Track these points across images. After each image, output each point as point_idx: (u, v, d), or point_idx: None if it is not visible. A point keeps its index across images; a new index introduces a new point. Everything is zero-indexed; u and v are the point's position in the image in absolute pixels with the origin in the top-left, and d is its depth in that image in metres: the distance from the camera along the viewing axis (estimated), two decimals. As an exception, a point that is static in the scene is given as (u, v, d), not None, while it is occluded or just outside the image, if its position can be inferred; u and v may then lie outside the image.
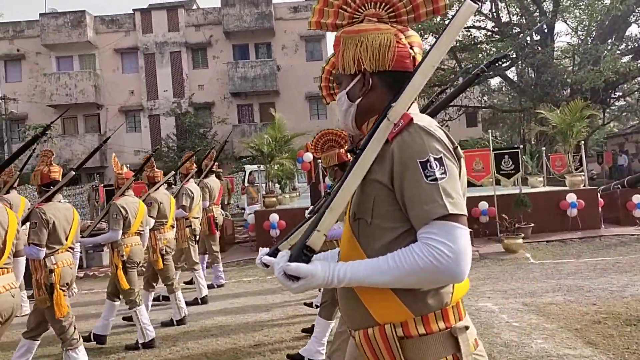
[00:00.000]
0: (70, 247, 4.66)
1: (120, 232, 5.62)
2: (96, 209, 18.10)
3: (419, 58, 1.60)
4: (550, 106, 13.74)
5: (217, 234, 8.61)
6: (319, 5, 1.71)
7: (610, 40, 24.72)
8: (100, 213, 7.38)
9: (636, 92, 27.16)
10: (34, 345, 4.67)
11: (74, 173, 4.69)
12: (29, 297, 7.12)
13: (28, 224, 4.44)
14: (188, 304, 7.09)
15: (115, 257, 5.66)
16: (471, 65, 24.74)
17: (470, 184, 12.46)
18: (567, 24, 26.78)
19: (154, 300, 7.51)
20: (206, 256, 8.73)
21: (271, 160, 12.22)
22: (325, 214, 1.50)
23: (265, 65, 30.69)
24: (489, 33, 27.48)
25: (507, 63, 26.68)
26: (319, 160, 8.25)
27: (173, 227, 6.89)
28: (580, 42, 25.56)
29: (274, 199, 11.96)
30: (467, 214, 1.45)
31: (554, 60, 24.62)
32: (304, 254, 1.47)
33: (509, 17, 27.20)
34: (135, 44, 31.42)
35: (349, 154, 4.54)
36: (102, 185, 17.38)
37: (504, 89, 32.05)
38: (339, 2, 1.67)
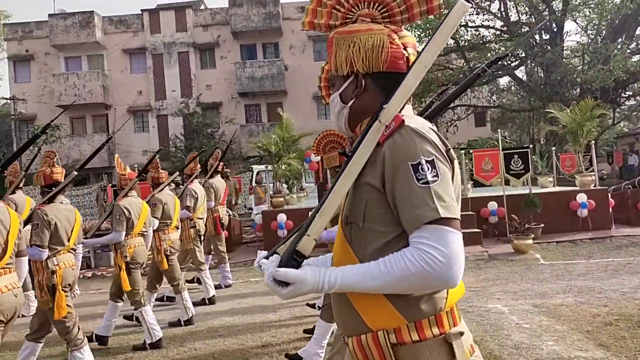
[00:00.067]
0: (72, 249, 4.65)
1: (124, 233, 5.61)
2: (104, 208, 18.13)
3: (412, 59, 1.56)
4: (560, 105, 13.64)
5: (223, 234, 8.59)
6: (312, 5, 1.69)
7: (620, 39, 24.52)
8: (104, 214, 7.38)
9: (646, 92, 26.96)
10: (38, 348, 4.67)
11: (76, 174, 4.69)
12: (36, 297, 7.13)
13: (30, 225, 4.43)
14: (195, 304, 7.09)
15: (118, 258, 5.66)
16: (480, 65, 24.62)
17: (479, 184, 12.43)
18: (577, 23, 26.59)
19: (158, 300, 7.53)
20: (210, 256, 8.71)
21: (279, 160, 12.19)
22: (316, 218, 1.47)
23: (272, 65, 30.69)
24: (498, 32, 27.34)
25: (516, 62, 26.56)
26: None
27: (177, 228, 6.88)
28: (590, 41, 25.37)
29: (282, 199, 11.93)
30: (459, 218, 1.41)
31: (564, 60, 24.47)
32: (293, 259, 1.45)
33: (518, 16, 27.04)
34: (143, 45, 31.50)
35: None
36: (110, 185, 17.41)
37: (512, 88, 31.86)
38: (332, 2, 1.64)
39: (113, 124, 31.28)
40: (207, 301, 7.51)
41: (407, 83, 1.47)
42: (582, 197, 10.82)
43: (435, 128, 1.51)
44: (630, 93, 27.43)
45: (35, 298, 7.07)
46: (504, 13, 26.91)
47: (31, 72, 31.76)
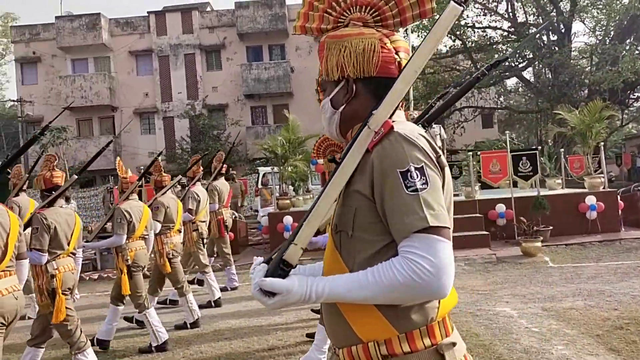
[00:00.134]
0: (72, 253, 4.64)
1: (125, 236, 5.59)
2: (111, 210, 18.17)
3: (404, 63, 1.52)
4: (569, 107, 13.54)
5: (228, 236, 8.56)
6: (304, 9, 1.67)
7: (629, 40, 24.41)
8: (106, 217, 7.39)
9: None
10: (39, 353, 4.65)
11: (76, 177, 4.68)
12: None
13: (30, 229, 4.41)
14: (201, 307, 7.07)
15: (119, 261, 5.65)
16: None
17: (487, 186, 12.36)
18: (585, 24, 26.50)
19: (161, 304, 7.52)
20: (213, 259, 8.70)
21: (285, 162, 12.16)
22: (303, 226, 1.45)
23: (279, 67, 30.69)
24: (505, 33, 27.25)
25: (524, 63, 26.46)
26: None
27: (180, 231, 6.87)
28: (598, 42, 25.26)
29: (288, 201, 11.90)
30: (450, 226, 1.38)
31: (572, 61, 24.37)
32: (280, 268, 1.42)
33: (526, 17, 26.96)
34: (149, 47, 31.58)
35: None
36: (116, 187, 17.43)
37: (520, 89, 31.75)
38: (324, 5, 1.62)
39: (119, 126, 31.36)
40: (212, 304, 7.48)
41: (396, 88, 1.44)
42: (591, 200, 10.74)
43: (426, 134, 1.47)
44: (639, 94, 27.27)
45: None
46: (511, 14, 26.83)
47: (38, 74, 31.88)
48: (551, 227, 10.41)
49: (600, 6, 24.23)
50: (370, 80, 1.53)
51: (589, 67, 24.67)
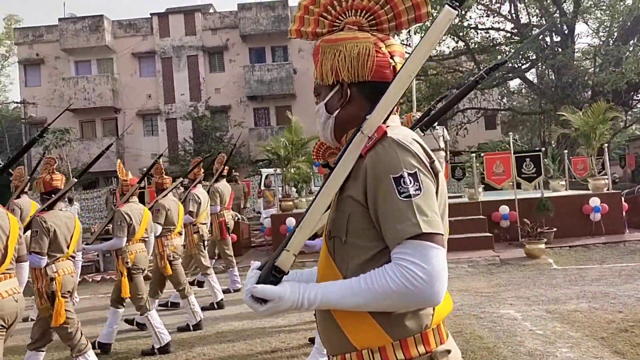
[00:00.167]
0: (71, 256, 4.63)
1: (125, 239, 5.58)
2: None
3: (399, 68, 1.50)
4: (572, 108, 13.51)
5: (229, 238, 8.55)
6: (299, 13, 1.66)
7: (632, 42, 24.37)
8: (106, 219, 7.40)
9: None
10: (40, 356, 4.63)
11: (75, 181, 4.68)
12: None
13: (29, 232, 4.41)
14: (204, 308, 7.06)
15: (119, 264, 5.64)
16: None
17: (490, 188, 12.32)
18: (588, 25, 26.46)
19: (162, 306, 7.52)
20: (214, 261, 8.70)
21: (288, 164, 12.15)
22: (295, 232, 1.43)
23: (281, 69, 30.69)
24: (508, 35, 27.22)
25: (527, 65, 26.42)
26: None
27: (181, 233, 6.87)
28: (601, 43, 25.23)
29: (291, 203, 11.88)
30: (443, 233, 1.35)
31: (575, 62, 24.33)
32: (272, 275, 1.41)
33: (529, 18, 26.93)
34: (152, 48, 31.61)
35: None
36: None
37: (523, 91, 31.70)
38: (320, 9, 1.60)
39: (122, 128, 31.40)
40: (215, 305, 7.46)
41: (390, 93, 1.43)
42: (595, 201, 10.70)
43: (420, 139, 1.46)
44: (643, 95, 27.20)
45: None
46: (514, 15, 26.80)
47: (41, 76, 31.95)
48: (555, 229, 10.38)
49: (604, 7, 24.20)
50: (365, 85, 1.52)
51: (593, 69, 24.64)
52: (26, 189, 7.01)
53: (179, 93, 31.39)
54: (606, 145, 11.76)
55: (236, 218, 12.08)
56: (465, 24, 26.56)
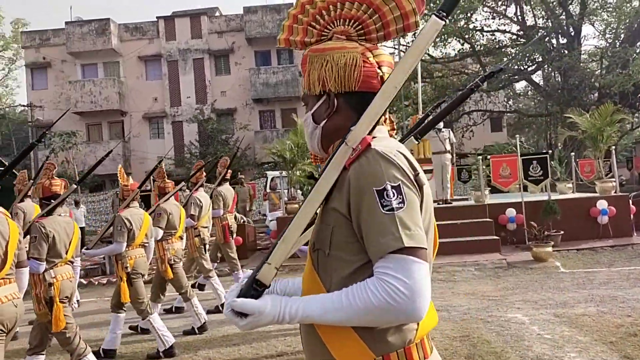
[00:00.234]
0: (70, 261, 4.62)
1: (125, 244, 5.57)
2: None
3: (387, 78, 1.49)
4: (580, 110, 13.46)
5: (233, 241, 8.54)
6: (288, 22, 1.65)
7: (639, 43, 24.24)
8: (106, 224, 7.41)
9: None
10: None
11: (75, 187, 4.68)
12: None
13: (28, 237, 4.40)
14: (209, 312, 7.06)
15: (119, 269, 5.63)
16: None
17: (496, 190, 12.26)
18: (594, 27, 26.36)
19: (167, 311, 7.52)
20: (215, 264, 8.71)
21: (293, 166, 12.14)
22: (278, 245, 1.41)
23: (287, 71, 30.72)
24: (514, 37, 27.15)
25: (533, 67, 26.34)
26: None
27: (182, 237, 6.87)
28: (608, 45, 25.12)
29: (296, 205, 11.85)
30: (426, 247, 1.33)
31: (581, 64, 24.25)
32: (253, 288, 1.39)
33: (535, 20, 26.85)
34: (158, 52, 31.70)
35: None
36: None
37: (529, 93, 31.60)
38: (308, 18, 1.60)
39: (129, 131, 31.49)
40: (220, 308, 7.44)
41: (375, 104, 1.41)
42: (602, 204, 10.64)
43: (405, 152, 1.43)
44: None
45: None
46: (520, 17, 26.73)
47: (48, 79, 32.10)
48: (562, 232, 10.33)
49: (610, 9, 24.12)
50: (352, 95, 1.50)
51: (599, 70, 24.55)
52: (29, 193, 7.02)
53: (185, 96, 31.46)
54: (613, 147, 11.69)
55: (242, 221, 12.09)
56: (471, 26, 26.51)
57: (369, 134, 1.42)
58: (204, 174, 8.23)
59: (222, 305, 7.48)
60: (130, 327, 6.58)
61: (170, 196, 6.78)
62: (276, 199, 16.07)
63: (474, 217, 10.70)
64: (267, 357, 5.34)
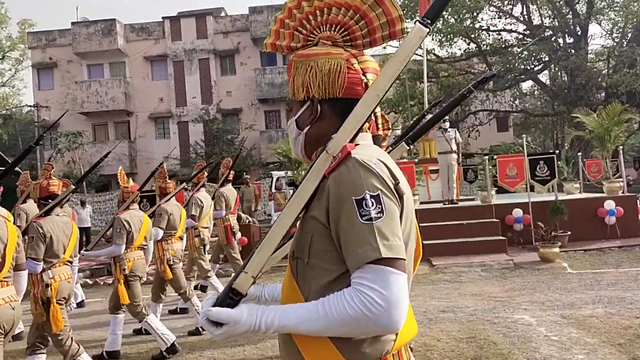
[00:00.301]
0: (68, 261, 4.61)
1: (124, 246, 5.56)
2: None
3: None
4: (587, 110, 13.38)
5: (235, 242, 8.53)
6: (275, 26, 1.65)
7: (646, 42, 24.11)
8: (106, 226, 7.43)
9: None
10: (40, 358, 4.61)
11: (73, 187, 4.70)
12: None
13: (26, 237, 4.40)
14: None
15: (117, 271, 5.61)
16: (502, 69, 24.42)
17: (503, 191, 12.21)
18: (601, 27, 26.22)
19: (172, 312, 7.52)
20: (217, 265, 8.72)
21: (298, 166, 12.13)
22: (255, 253, 1.39)
23: (292, 72, 30.68)
24: (521, 36, 27.06)
25: (540, 66, 26.24)
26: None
27: (182, 238, 6.88)
28: (615, 44, 25.01)
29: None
30: (405, 258, 1.31)
31: (588, 64, 24.14)
32: (229, 297, 1.38)
33: (541, 19, 26.75)
34: (164, 52, 31.76)
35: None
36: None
37: (536, 92, 31.50)
38: (295, 23, 1.59)
39: (134, 131, 31.56)
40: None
41: (357, 112, 1.39)
42: (610, 204, 10.56)
43: (387, 160, 1.41)
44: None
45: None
46: (526, 17, 26.64)
47: (54, 80, 32.22)
48: (569, 233, 10.26)
49: (617, 8, 24.00)
50: (336, 102, 1.48)
51: (606, 70, 24.43)
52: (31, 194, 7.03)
53: (190, 96, 31.51)
54: (621, 147, 11.62)
55: (247, 221, 12.07)
56: (477, 25, 26.44)
57: (352, 141, 1.40)
58: (206, 174, 8.24)
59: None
60: (134, 331, 6.57)
61: (172, 197, 6.79)
62: (281, 199, 16.07)
63: (481, 217, 10.64)
64: (273, 357, 5.32)
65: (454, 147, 11.28)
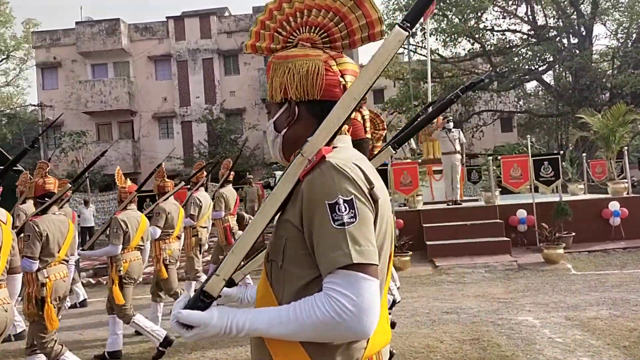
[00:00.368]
0: (64, 260, 4.60)
1: (120, 246, 5.55)
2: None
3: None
4: (591, 111, 13.34)
5: (235, 242, 8.53)
6: (256, 28, 1.65)
7: (651, 43, 24.02)
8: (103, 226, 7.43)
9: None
10: (40, 358, 4.60)
11: (70, 186, 4.66)
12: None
13: (22, 235, 4.40)
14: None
15: (113, 272, 5.60)
16: (506, 70, 24.37)
17: (507, 191, 12.17)
18: (606, 27, 26.16)
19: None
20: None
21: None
22: (228, 256, 1.38)
23: (296, 72, 30.67)
24: (525, 36, 26.98)
25: (544, 67, 26.17)
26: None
27: (179, 237, 6.87)
28: (620, 45, 24.92)
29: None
30: (377, 263, 1.29)
31: (593, 64, 24.04)
32: (200, 300, 1.36)
33: (545, 20, 26.67)
34: (168, 51, 31.77)
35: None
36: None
37: (540, 93, 31.40)
38: (275, 25, 1.59)
39: (138, 130, 31.59)
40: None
41: (334, 115, 1.38)
42: (614, 205, 10.53)
43: (363, 164, 1.39)
44: (662, 98, 26.83)
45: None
46: (530, 17, 26.57)
47: (58, 79, 32.25)
48: (573, 234, 10.21)
49: (622, 8, 23.91)
50: (314, 104, 1.47)
51: (611, 70, 24.37)
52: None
53: (194, 96, 31.52)
54: (625, 148, 11.55)
55: (250, 220, 12.05)
56: (481, 25, 26.38)
57: (329, 143, 1.38)
58: (205, 173, 8.24)
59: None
60: (136, 331, 6.56)
61: (170, 195, 6.79)
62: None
63: (484, 218, 10.61)
64: (275, 358, 5.29)
65: (458, 148, 11.25)
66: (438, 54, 27.81)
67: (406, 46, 23.79)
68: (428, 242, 10.23)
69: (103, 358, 5.58)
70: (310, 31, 1.53)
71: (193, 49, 31.57)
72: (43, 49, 32.28)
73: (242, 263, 1.71)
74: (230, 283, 1.54)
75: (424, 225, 10.68)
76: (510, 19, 27.06)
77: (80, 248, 6.08)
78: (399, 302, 5.89)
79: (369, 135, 3.19)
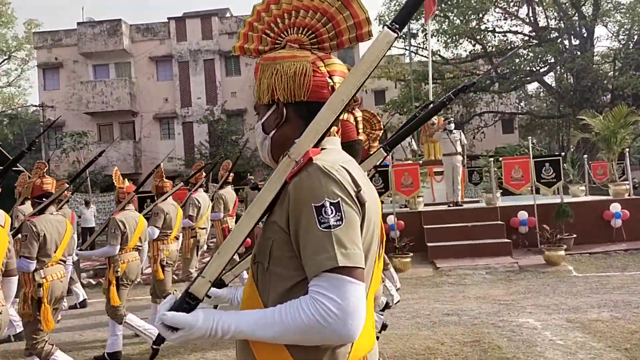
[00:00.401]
0: (62, 260, 4.59)
1: (118, 247, 5.53)
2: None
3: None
4: (593, 112, 13.32)
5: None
6: (244, 30, 1.65)
7: (653, 45, 24.01)
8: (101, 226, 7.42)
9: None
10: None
11: (67, 186, 4.65)
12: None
13: (19, 235, 4.39)
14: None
15: (110, 272, 5.58)
16: (508, 71, 24.35)
17: (508, 193, 12.16)
18: (607, 28, 26.12)
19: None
20: None
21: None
22: (213, 258, 1.37)
23: (297, 73, 30.68)
24: (526, 38, 26.98)
25: (545, 68, 26.16)
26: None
27: (177, 238, 6.86)
28: (621, 46, 24.90)
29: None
30: (363, 267, 1.29)
31: (594, 65, 24.04)
32: (186, 302, 1.35)
33: (547, 21, 26.67)
34: (169, 52, 31.80)
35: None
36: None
37: (541, 94, 31.40)
38: (263, 26, 1.59)
39: (139, 131, 31.61)
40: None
41: (321, 117, 1.37)
42: (615, 207, 10.51)
43: (351, 166, 1.38)
44: (664, 99, 26.81)
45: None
46: (532, 18, 26.56)
47: (60, 80, 32.28)
48: (575, 235, 10.20)
49: (624, 10, 23.90)
50: (302, 105, 1.46)
51: (612, 72, 24.36)
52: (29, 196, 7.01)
53: (195, 97, 31.54)
54: (627, 149, 11.54)
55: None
56: (483, 27, 26.37)
57: (317, 145, 1.38)
58: (204, 174, 8.23)
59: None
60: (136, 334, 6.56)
61: (168, 196, 6.79)
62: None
63: (485, 219, 10.60)
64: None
65: (459, 149, 11.24)
66: (439, 55, 27.81)
67: (407, 47, 23.77)
68: (429, 244, 10.22)
69: (103, 359, 5.57)
70: (298, 32, 1.53)
71: (194, 49, 31.59)
72: (44, 50, 32.33)
73: (231, 265, 1.70)
74: (220, 284, 1.53)
75: (425, 226, 10.66)
76: (511, 20, 27.08)
77: (79, 248, 6.06)
78: (397, 302, 5.88)
79: (362, 137, 3.19)
